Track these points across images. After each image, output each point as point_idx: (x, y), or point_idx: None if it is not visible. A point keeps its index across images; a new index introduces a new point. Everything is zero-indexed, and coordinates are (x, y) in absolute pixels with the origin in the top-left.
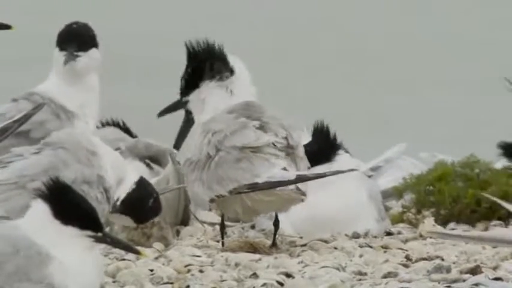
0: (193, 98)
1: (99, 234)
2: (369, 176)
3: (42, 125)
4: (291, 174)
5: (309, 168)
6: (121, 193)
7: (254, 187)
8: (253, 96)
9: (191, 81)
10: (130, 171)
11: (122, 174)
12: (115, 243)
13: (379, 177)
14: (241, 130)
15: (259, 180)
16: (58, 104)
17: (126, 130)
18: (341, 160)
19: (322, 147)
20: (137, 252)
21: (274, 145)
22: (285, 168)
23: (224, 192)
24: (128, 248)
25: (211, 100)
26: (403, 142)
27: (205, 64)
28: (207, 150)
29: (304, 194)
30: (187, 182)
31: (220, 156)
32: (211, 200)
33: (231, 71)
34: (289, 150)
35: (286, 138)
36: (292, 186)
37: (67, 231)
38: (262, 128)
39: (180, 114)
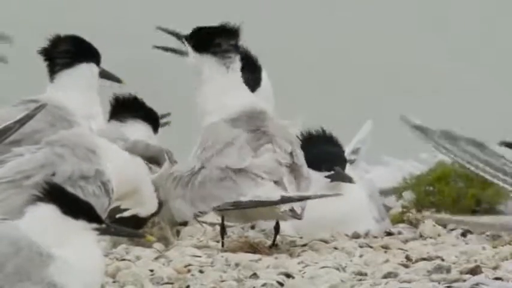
0: (192, 60)
1: (103, 225)
2: (352, 161)
3: (33, 135)
4: (276, 195)
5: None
6: None
7: (238, 205)
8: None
9: (200, 42)
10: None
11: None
12: (120, 231)
13: (360, 160)
14: (226, 151)
15: (243, 199)
16: (58, 114)
17: (142, 104)
18: (349, 168)
19: (335, 152)
20: (143, 237)
21: (262, 162)
22: (280, 181)
23: (207, 209)
24: (133, 234)
25: (209, 78)
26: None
27: (216, 38)
28: (191, 167)
29: (298, 216)
30: (170, 197)
31: (204, 174)
32: (195, 216)
33: (237, 52)
34: (293, 166)
35: (291, 154)
36: (285, 208)
37: (77, 226)
38: (263, 138)
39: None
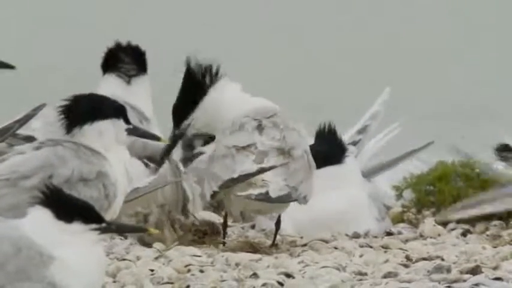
0: (201, 111)
1: (103, 225)
2: (357, 142)
3: None
4: (254, 167)
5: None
6: None
7: (233, 181)
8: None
9: (190, 100)
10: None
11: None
12: (121, 228)
13: (367, 141)
14: (238, 132)
15: (234, 175)
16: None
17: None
18: (349, 162)
19: (332, 149)
20: (145, 230)
21: (256, 147)
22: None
23: (215, 188)
24: (134, 229)
25: (227, 101)
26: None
27: (203, 78)
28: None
29: (271, 200)
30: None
31: (213, 154)
32: (211, 196)
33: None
34: (283, 150)
35: (279, 140)
36: (246, 192)
37: (72, 229)
38: (258, 128)
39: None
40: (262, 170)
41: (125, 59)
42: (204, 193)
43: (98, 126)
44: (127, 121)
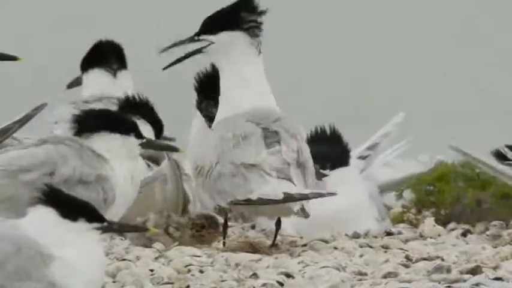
0: (222, 40)
1: (105, 224)
2: (366, 157)
3: None
4: (279, 194)
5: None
6: None
7: (248, 202)
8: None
9: (224, 22)
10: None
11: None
12: (122, 228)
13: (376, 157)
14: (243, 145)
15: (252, 197)
16: None
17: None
18: (353, 165)
19: (338, 151)
20: (146, 230)
21: (271, 162)
22: (289, 180)
23: (223, 204)
24: (135, 229)
25: (238, 59)
26: (401, 112)
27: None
28: (210, 160)
29: (308, 214)
30: (195, 185)
31: (219, 169)
32: (215, 208)
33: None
34: (299, 163)
35: (297, 151)
36: (296, 207)
37: (77, 228)
38: (273, 137)
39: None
40: (288, 199)
41: (108, 54)
42: (206, 205)
43: (106, 139)
44: (140, 136)
